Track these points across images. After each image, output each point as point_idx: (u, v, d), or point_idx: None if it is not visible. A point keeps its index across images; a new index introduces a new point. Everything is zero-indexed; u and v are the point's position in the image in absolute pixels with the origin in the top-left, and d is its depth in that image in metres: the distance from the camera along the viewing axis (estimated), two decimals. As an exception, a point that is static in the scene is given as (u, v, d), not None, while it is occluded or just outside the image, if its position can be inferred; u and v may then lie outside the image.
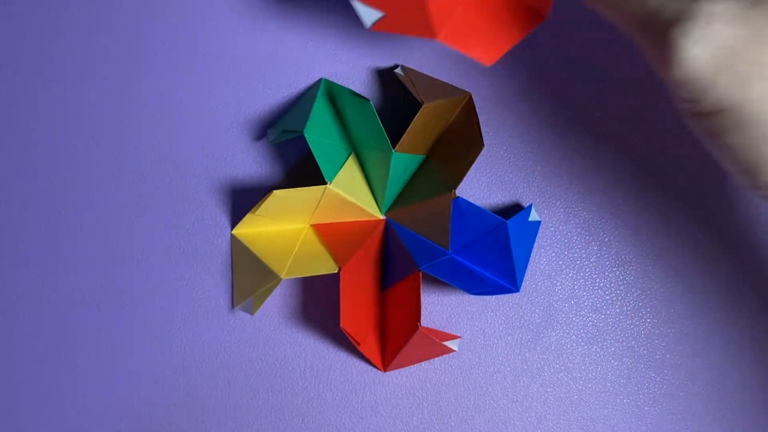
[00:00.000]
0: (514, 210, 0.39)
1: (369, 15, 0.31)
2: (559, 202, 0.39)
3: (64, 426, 0.38)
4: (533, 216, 0.38)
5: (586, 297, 0.39)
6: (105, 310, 0.38)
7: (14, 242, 0.38)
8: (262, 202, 0.35)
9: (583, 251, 0.39)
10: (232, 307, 0.38)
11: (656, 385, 0.39)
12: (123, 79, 0.38)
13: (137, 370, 0.38)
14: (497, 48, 0.30)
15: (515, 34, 0.31)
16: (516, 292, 0.36)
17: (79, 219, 0.38)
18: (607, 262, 0.39)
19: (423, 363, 0.39)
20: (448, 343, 0.36)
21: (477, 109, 0.37)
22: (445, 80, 0.38)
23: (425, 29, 0.29)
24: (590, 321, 0.39)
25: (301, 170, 0.38)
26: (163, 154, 0.38)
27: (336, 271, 0.36)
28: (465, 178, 0.37)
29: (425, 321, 0.37)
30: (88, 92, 0.38)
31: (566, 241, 0.39)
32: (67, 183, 0.38)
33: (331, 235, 0.37)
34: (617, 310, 0.39)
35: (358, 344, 0.36)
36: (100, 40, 0.38)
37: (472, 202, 0.38)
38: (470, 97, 0.36)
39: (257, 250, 0.37)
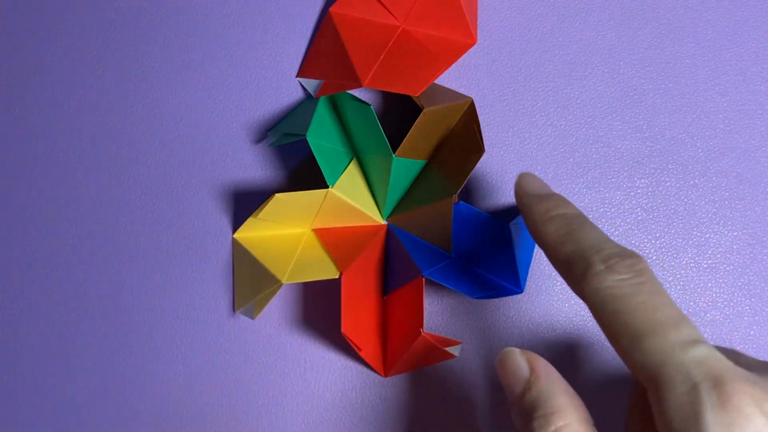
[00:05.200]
0: (514, 211, 0.39)
1: (311, 85, 0.37)
2: (559, 203, 0.39)
3: (60, 427, 0.38)
4: (534, 217, 0.38)
5: (586, 297, 0.40)
6: (105, 314, 0.38)
7: (13, 244, 0.38)
8: (264, 205, 0.35)
9: (583, 251, 0.39)
10: (233, 311, 0.38)
11: (656, 385, 0.40)
12: (122, 81, 0.38)
13: (137, 372, 0.38)
14: (424, 79, 0.34)
15: (441, 65, 0.35)
16: (520, 293, 0.37)
17: (78, 222, 0.38)
18: (607, 262, 0.40)
19: (424, 364, 0.39)
20: (450, 349, 0.36)
21: (477, 111, 0.37)
22: (446, 83, 0.38)
23: (353, 81, 0.34)
24: (590, 321, 0.40)
25: (302, 174, 0.38)
26: (163, 157, 0.38)
27: (337, 277, 0.36)
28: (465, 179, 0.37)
29: (424, 322, 0.37)
30: (87, 95, 0.38)
31: (566, 241, 0.39)
32: (65, 186, 0.38)
33: (332, 240, 0.37)
34: (617, 310, 0.40)
35: (359, 350, 0.36)
36: (98, 41, 0.38)
37: (472, 202, 0.38)
38: (471, 102, 0.36)
39: (258, 254, 0.37)
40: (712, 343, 0.39)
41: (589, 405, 0.39)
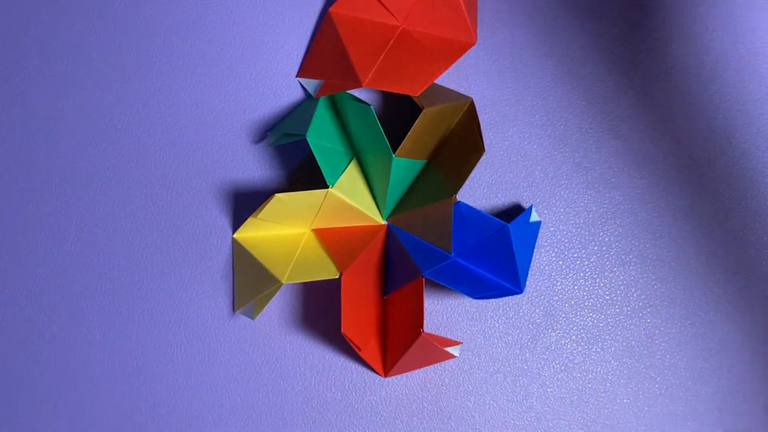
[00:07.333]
0: (514, 211, 0.39)
1: (311, 85, 0.37)
2: (559, 203, 0.39)
3: (60, 426, 0.38)
4: (534, 217, 0.38)
5: (586, 297, 0.40)
6: (105, 313, 0.38)
7: (14, 243, 0.38)
8: (264, 205, 0.35)
9: (583, 251, 0.39)
10: (233, 311, 0.38)
11: (656, 385, 0.40)
12: (123, 81, 0.38)
13: (137, 371, 0.38)
14: (424, 79, 0.34)
15: (442, 65, 0.35)
16: (519, 293, 0.37)
17: (78, 222, 0.38)
18: (607, 262, 0.40)
19: (423, 364, 0.39)
20: (450, 349, 0.36)
21: (477, 111, 0.37)
22: (446, 83, 0.38)
23: (353, 81, 0.34)
24: (590, 321, 0.40)
25: (303, 174, 0.38)
26: (163, 157, 0.38)
27: (337, 277, 0.36)
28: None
29: (425, 322, 0.37)
30: (89, 96, 0.38)
31: (566, 241, 0.39)
32: (66, 186, 0.38)
33: (332, 240, 0.37)
34: (617, 310, 0.40)
35: (359, 350, 0.36)
36: (100, 42, 0.38)
37: (472, 203, 0.38)
38: (471, 102, 0.36)
39: (258, 254, 0.37)
40: (716, 346, 0.40)
41: (591, 402, 0.39)
